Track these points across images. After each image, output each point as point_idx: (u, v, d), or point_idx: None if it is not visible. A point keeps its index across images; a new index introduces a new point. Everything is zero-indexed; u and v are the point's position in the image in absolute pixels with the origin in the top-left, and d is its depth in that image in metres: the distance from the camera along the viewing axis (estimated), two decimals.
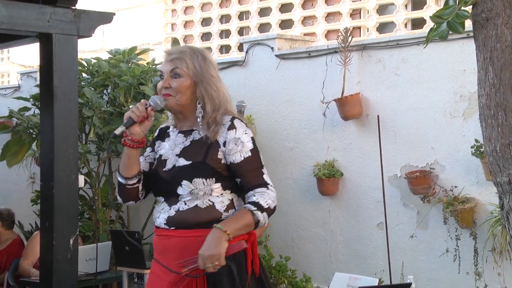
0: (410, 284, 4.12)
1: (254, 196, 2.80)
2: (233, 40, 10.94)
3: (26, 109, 7.73)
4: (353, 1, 9.24)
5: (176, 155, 2.87)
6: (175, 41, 6.32)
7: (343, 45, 6.14)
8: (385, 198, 5.97)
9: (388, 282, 5.79)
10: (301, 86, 6.61)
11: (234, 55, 10.38)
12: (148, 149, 3.04)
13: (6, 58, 16.15)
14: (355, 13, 9.27)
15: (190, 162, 2.82)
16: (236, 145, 2.82)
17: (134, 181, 2.90)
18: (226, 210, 2.82)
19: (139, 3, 13.06)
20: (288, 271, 6.39)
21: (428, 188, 5.73)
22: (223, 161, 2.82)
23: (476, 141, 5.36)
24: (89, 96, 6.86)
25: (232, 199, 2.87)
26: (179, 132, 2.94)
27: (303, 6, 9.93)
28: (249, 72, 7.03)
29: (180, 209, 2.82)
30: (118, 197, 2.98)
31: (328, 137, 6.41)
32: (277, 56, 6.79)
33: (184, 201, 2.81)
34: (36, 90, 7.83)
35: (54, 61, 4.69)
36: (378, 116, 6.05)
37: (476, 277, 5.51)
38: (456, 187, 5.63)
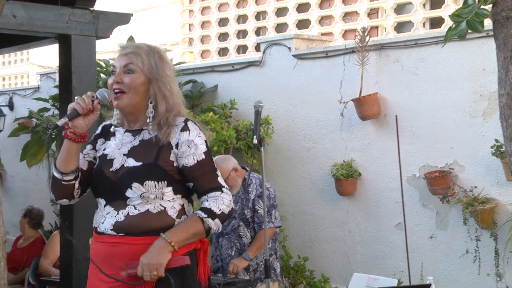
0: (429, 285, 4.09)
1: (207, 201, 2.65)
2: (250, 40, 10.94)
3: (45, 109, 7.79)
4: (370, 1, 9.20)
5: (124, 154, 2.69)
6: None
7: (360, 44, 6.12)
8: (404, 198, 5.94)
9: (408, 283, 5.76)
10: (318, 86, 6.59)
11: (251, 55, 10.38)
12: (88, 147, 2.85)
13: (25, 59, 16.28)
14: (372, 13, 9.24)
15: (141, 163, 2.64)
16: (189, 148, 2.66)
17: (71, 177, 2.70)
18: (178, 216, 2.66)
19: (156, 3, 13.11)
20: (307, 271, 6.38)
21: (448, 189, 5.69)
22: (175, 164, 2.66)
23: (496, 141, 5.32)
24: None
25: (183, 204, 2.70)
26: (126, 131, 2.77)
27: (320, 6, 9.91)
28: (266, 72, 7.02)
29: (130, 213, 2.62)
30: (51, 194, 2.78)
31: (346, 137, 6.39)
32: (294, 56, 6.78)
33: (133, 205, 2.63)
34: (56, 91, 7.89)
35: (73, 61, 4.73)
36: (396, 116, 6.02)
37: (497, 278, 5.46)
38: (476, 187, 5.59)
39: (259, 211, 4.96)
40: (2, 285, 3.96)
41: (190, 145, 2.66)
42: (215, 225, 2.63)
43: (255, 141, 4.46)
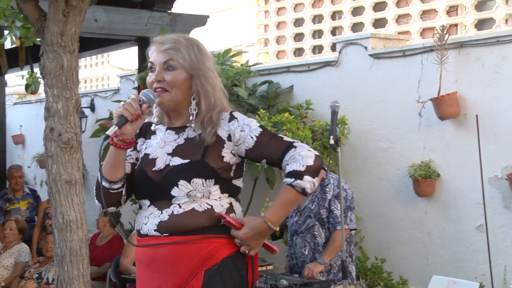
0: None
1: (288, 165, 2.46)
2: (326, 40, 10.91)
3: None
4: None
5: (168, 153, 2.54)
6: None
7: (439, 43, 6.00)
8: (485, 199, 5.79)
9: (490, 287, 5.60)
10: (395, 85, 6.50)
11: (327, 55, 10.34)
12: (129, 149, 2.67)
13: (106, 62, 16.74)
14: (452, 10, 9.05)
15: (188, 160, 2.49)
16: (243, 131, 2.50)
17: (119, 185, 2.57)
18: (226, 214, 2.50)
19: (232, 5, 13.23)
20: (384, 273, 6.30)
21: None
22: (226, 159, 2.51)
23: None
24: None
25: (231, 202, 2.54)
26: (168, 128, 2.62)
27: (398, 4, 9.78)
28: (342, 72, 6.98)
29: (175, 212, 2.47)
30: (97, 202, 2.63)
31: (424, 137, 6.28)
32: (370, 55, 6.71)
33: (178, 204, 2.48)
34: (135, 92, 8.07)
35: None
36: (476, 115, 5.88)
37: None
38: None
39: (334, 212, 4.92)
40: (86, 282, 4.08)
41: (243, 128, 2.50)
42: (307, 182, 2.43)
43: (331, 142, 4.43)
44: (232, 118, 2.53)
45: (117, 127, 2.43)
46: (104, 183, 2.57)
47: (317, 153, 2.49)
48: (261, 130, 2.51)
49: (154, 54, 2.56)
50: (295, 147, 2.47)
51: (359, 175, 6.75)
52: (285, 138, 2.52)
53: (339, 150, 4.58)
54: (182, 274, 2.45)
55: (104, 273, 6.76)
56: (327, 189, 4.98)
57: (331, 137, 4.42)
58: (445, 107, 5.97)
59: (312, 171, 2.44)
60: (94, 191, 2.64)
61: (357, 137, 6.75)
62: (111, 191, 2.57)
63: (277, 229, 2.50)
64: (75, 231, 4.07)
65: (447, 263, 6.12)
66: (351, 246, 5.08)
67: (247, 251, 2.49)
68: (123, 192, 2.60)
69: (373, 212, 6.67)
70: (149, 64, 2.58)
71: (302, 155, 2.44)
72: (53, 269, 5.39)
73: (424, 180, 6.13)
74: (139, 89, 2.93)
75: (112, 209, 2.63)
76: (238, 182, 2.58)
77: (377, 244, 6.63)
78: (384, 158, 6.59)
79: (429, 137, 6.24)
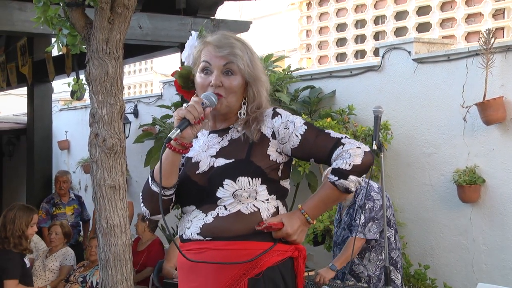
0: None
1: (335, 162, 2.38)
2: (369, 45, 10.84)
3: (168, 116, 8.05)
4: (496, 1, 8.88)
5: (212, 156, 2.46)
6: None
7: (485, 47, 5.90)
8: None
9: None
10: (439, 90, 6.43)
11: (370, 60, 10.28)
12: None
13: (149, 68, 16.93)
14: (498, 13, 8.91)
15: (233, 160, 2.41)
16: (287, 128, 2.42)
17: (172, 191, 2.47)
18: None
19: (274, 10, 13.26)
20: (428, 279, 6.22)
21: None
22: (273, 157, 2.42)
23: None
24: None
25: (278, 206, 2.45)
26: (211, 132, 2.54)
27: (442, 8, 9.67)
28: (385, 77, 6.93)
29: (220, 214, 2.38)
30: (144, 209, 2.53)
31: (469, 142, 6.18)
32: (414, 60, 6.65)
33: (224, 206, 2.39)
34: (177, 98, 8.15)
35: None
36: None
37: None
38: None
39: (356, 221, 4.91)
40: (129, 286, 4.13)
41: (287, 125, 2.42)
42: (352, 182, 2.36)
43: (374, 147, 4.41)
44: (275, 114, 2.46)
45: (179, 130, 2.32)
46: (156, 189, 2.45)
47: (367, 149, 2.39)
48: (306, 127, 2.43)
49: (211, 55, 2.46)
50: (343, 144, 2.38)
51: (402, 180, 6.68)
52: (333, 134, 2.43)
53: (382, 155, 4.56)
54: (224, 282, 2.37)
55: (147, 277, 6.83)
56: (357, 200, 4.98)
57: (374, 142, 4.40)
58: (491, 112, 5.87)
59: (359, 170, 2.35)
60: (141, 197, 2.54)
61: (400, 143, 6.68)
62: (163, 197, 2.44)
63: (314, 222, 2.45)
64: (119, 236, 4.12)
65: (493, 271, 6.01)
66: (393, 252, 5.02)
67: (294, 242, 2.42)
68: (173, 199, 2.50)
69: (416, 218, 6.59)
70: (203, 64, 2.48)
71: (350, 153, 2.36)
72: (97, 273, 5.47)
73: (469, 186, 6.04)
74: (182, 96, 2.90)
75: (158, 216, 2.51)
76: (286, 184, 2.51)
77: (421, 250, 6.56)
78: (428, 163, 6.51)
79: (474, 142, 6.15)
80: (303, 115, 6.70)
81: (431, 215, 6.49)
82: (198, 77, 2.49)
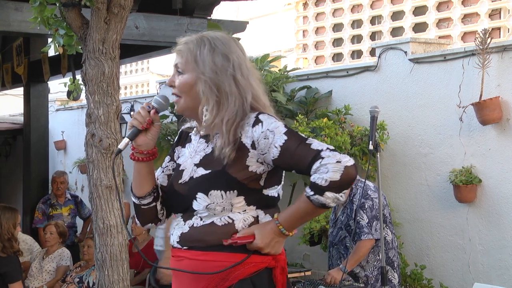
0: None
1: (312, 176, 2.21)
2: (365, 45, 10.85)
3: (164, 117, 8.04)
4: (492, 1, 8.89)
5: (195, 164, 2.37)
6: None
7: (481, 47, 5.91)
8: None
9: None
10: (436, 90, 6.44)
11: (366, 60, 10.28)
12: (167, 159, 2.55)
13: (146, 69, 16.91)
14: (494, 14, 8.92)
15: (209, 171, 2.31)
16: (267, 139, 2.24)
17: (149, 200, 2.43)
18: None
19: (271, 11, 13.26)
20: (424, 280, 6.23)
21: None
22: (252, 169, 2.28)
23: None
24: None
25: (257, 216, 2.33)
26: (201, 137, 2.43)
27: (438, 8, 9.68)
28: (382, 77, 6.93)
29: (195, 224, 2.33)
30: (136, 220, 2.54)
31: (465, 142, 6.19)
32: (410, 60, 6.66)
33: (200, 217, 2.33)
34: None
35: None
36: None
37: None
38: None
39: (360, 222, 4.90)
40: (125, 286, 4.13)
41: (267, 135, 2.25)
42: (328, 198, 2.18)
43: (370, 147, 4.41)
44: (257, 122, 2.28)
45: (127, 139, 2.35)
46: (134, 199, 2.46)
47: (349, 163, 2.18)
48: (286, 138, 2.24)
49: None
50: (322, 157, 2.18)
51: (399, 180, 6.69)
52: (314, 145, 2.23)
53: (378, 155, 4.56)
54: None
55: (145, 279, 6.81)
56: (354, 199, 4.96)
57: (370, 142, 4.40)
58: (487, 112, 5.88)
59: (336, 186, 2.16)
60: (135, 209, 2.53)
61: (397, 143, 6.69)
62: (142, 207, 2.44)
63: (291, 234, 2.32)
64: (116, 236, 4.12)
65: (489, 271, 6.02)
66: (390, 252, 5.03)
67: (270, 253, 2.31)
68: (158, 207, 2.46)
69: (413, 218, 6.60)
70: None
71: (329, 168, 2.16)
72: (94, 273, 5.46)
73: (465, 186, 6.05)
74: None
75: (151, 225, 2.50)
76: (271, 192, 2.37)
77: (417, 250, 6.56)
78: (424, 163, 6.52)
79: (470, 142, 6.16)
80: (299, 115, 6.70)
81: (427, 215, 6.49)
82: None
